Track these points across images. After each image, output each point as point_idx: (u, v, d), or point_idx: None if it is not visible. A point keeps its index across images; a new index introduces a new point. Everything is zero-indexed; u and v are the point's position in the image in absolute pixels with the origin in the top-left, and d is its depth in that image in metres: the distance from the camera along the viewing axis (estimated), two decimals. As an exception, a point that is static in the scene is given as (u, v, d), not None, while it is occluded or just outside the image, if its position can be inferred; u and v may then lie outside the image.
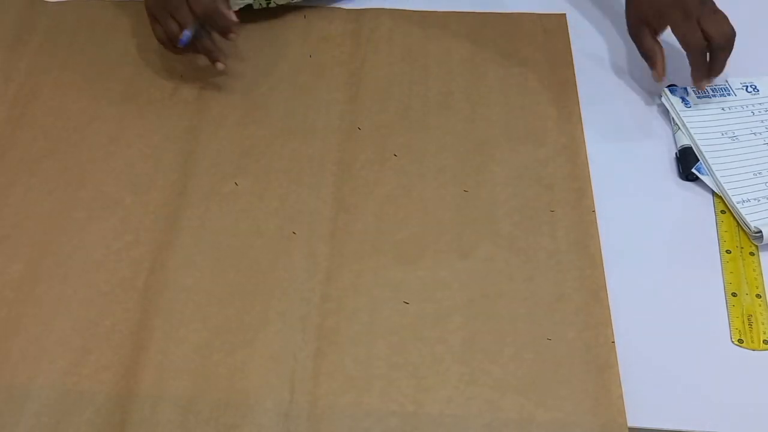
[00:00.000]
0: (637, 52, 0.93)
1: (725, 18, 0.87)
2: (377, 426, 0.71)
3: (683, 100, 0.92)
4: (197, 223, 0.83)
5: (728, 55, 0.88)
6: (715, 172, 0.86)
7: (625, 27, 0.95)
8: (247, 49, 0.99)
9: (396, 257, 0.81)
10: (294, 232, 0.83)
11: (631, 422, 0.71)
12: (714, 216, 0.85)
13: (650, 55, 0.91)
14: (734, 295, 0.79)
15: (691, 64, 0.88)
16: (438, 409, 0.72)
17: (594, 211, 0.84)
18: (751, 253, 0.82)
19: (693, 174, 0.86)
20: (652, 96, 0.95)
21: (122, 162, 0.88)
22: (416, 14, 1.02)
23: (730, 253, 0.82)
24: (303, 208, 0.85)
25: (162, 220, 0.84)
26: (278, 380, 0.73)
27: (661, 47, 0.91)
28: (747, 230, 0.83)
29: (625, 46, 1.00)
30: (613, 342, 0.75)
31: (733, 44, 0.87)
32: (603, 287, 0.79)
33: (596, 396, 0.72)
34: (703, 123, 0.90)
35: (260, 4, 1.01)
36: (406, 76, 0.96)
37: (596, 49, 0.99)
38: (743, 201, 0.84)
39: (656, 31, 0.91)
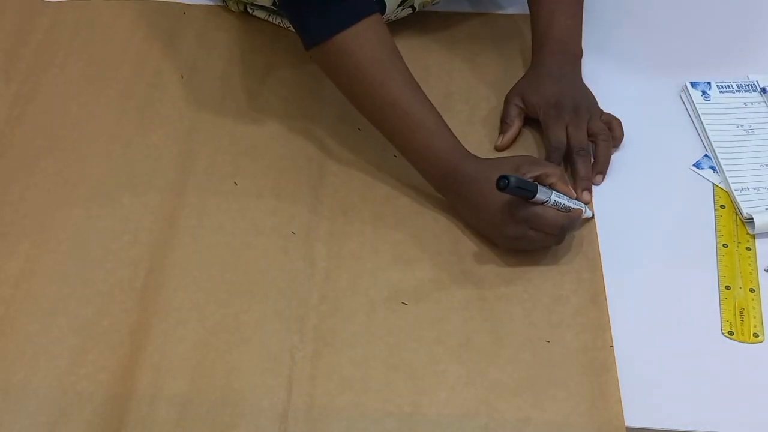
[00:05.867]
0: (637, 52, 0.93)
1: (600, 125, 0.87)
2: (374, 427, 0.71)
3: (704, 93, 0.92)
4: (195, 223, 0.83)
5: (588, 159, 0.86)
6: (720, 160, 0.87)
7: (625, 27, 0.95)
8: (246, 49, 0.99)
9: (394, 258, 0.81)
10: (293, 232, 0.83)
11: (629, 422, 0.70)
12: (713, 211, 0.85)
13: (506, 125, 0.90)
14: (728, 288, 0.79)
15: (551, 160, 0.85)
16: (435, 410, 0.72)
17: (593, 213, 0.84)
18: (748, 248, 0.82)
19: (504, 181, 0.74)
20: (651, 97, 0.95)
21: (121, 161, 0.88)
22: (417, 15, 1.02)
23: (727, 247, 0.82)
24: (301, 208, 0.85)
25: (160, 220, 0.84)
26: (275, 380, 0.73)
27: (519, 126, 0.90)
28: (741, 218, 0.83)
29: (624, 47, 1.00)
30: (612, 346, 0.75)
31: (590, 151, 0.86)
32: (602, 291, 0.79)
33: (593, 399, 0.72)
34: (719, 115, 0.91)
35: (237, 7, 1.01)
36: (405, 77, 0.96)
37: (596, 49, 0.99)
38: (742, 189, 0.85)
39: (525, 111, 0.90)
